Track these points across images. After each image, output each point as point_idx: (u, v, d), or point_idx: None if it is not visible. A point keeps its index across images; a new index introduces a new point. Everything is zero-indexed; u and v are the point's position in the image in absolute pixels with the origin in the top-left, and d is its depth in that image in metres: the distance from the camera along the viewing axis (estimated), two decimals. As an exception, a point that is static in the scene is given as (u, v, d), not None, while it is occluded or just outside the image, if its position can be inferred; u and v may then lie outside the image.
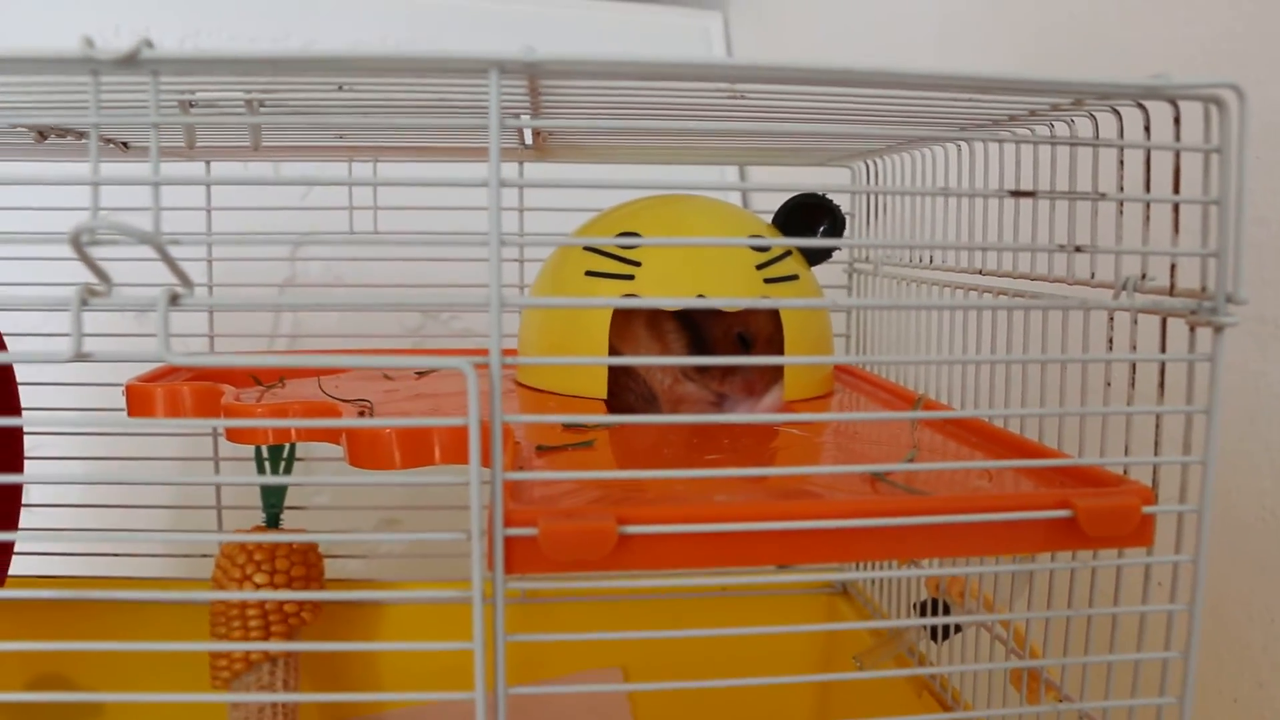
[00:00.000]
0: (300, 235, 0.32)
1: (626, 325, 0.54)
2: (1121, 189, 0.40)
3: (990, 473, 0.41)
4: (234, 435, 0.52)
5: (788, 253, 0.56)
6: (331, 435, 0.50)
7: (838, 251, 0.65)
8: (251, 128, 0.39)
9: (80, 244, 0.31)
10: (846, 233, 0.67)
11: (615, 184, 0.47)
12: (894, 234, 0.66)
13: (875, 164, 0.68)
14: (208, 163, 0.68)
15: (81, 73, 0.31)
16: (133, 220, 0.30)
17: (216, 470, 0.72)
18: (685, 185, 0.45)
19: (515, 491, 0.36)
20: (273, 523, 0.67)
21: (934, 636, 0.56)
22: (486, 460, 0.32)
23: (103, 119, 0.32)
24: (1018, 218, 0.48)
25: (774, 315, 0.54)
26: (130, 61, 0.30)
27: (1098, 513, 0.34)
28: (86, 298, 0.32)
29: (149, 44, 0.31)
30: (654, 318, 0.54)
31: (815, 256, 0.60)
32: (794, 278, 0.55)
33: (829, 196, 0.59)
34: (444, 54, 0.31)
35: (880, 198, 0.67)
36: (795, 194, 0.59)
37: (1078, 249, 0.35)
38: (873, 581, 0.71)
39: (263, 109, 0.40)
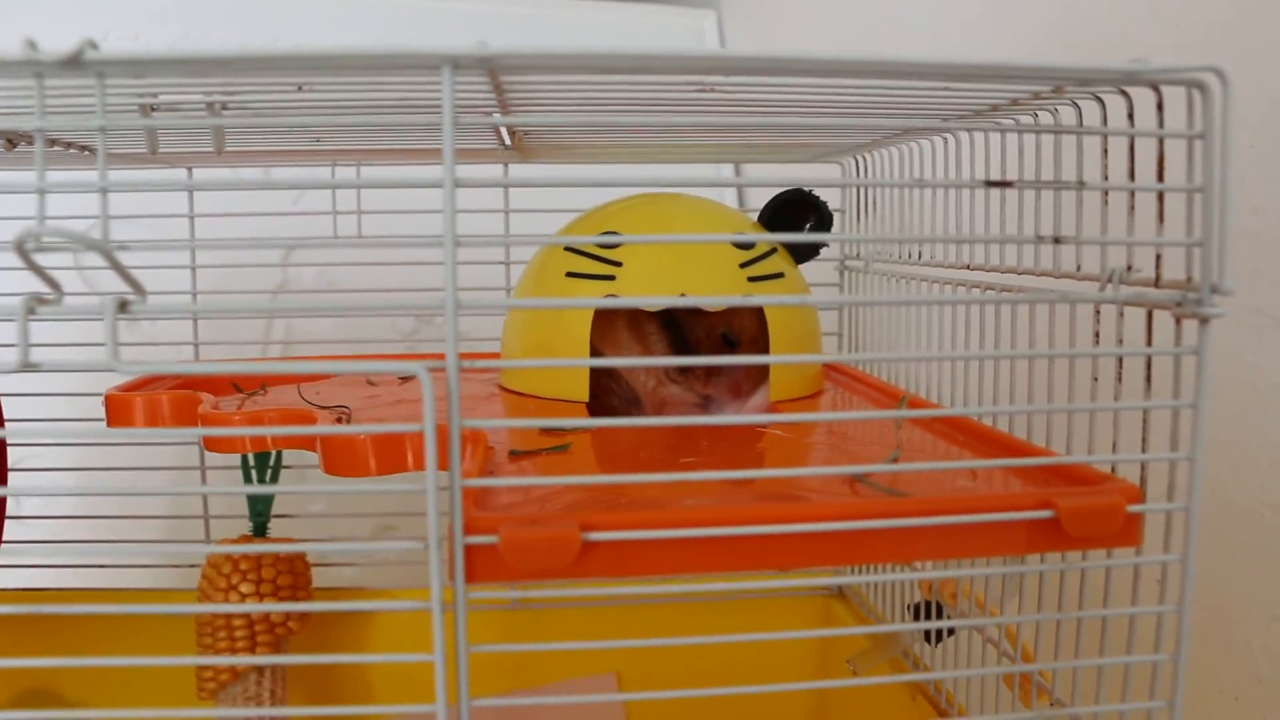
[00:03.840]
0: (248, 239, 0.31)
1: (608, 327, 0.54)
2: (1106, 179, 0.39)
3: (976, 473, 0.40)
4: (211, 444, 0.52)
5: (772, 251, 0.55)
6: (307, 442, 0.50)
7: (827, 249, 0.64)
8: (214, 131, 0.38)
9: (26, 251, 0.30)
10: (836, 230, 0.66)
11: (592, 183, 0.46)
12: (883, 231, 0.65)
13: (864, 159, 0.67)
14: (189, 169, 0.67)
15: (25, 76, 0.31)
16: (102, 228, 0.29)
17: (203, 480, 0.71)
18: (672, 184, 0.44)
19: (482, 498, 0.36)
20: (259, 531, 0.66)
21: (928, 639, 0.55)
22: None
23: (48, 124, 0.31)
24: (1004, 211, 0.47)
25: (759, 315, 0.53)
26: (74, 63, 0.30)
27: (1080, 512, 0.33)
28: (34, 306, 0.31)
29: (93, 45, 0.30)
30: (636, 319, 0.53)
31: (801, 254, 0.58)
32: (779, 276, 0.54)
33: (815, 192, 0.58)
34: (398, 51, 0.30)
35: (869, 195, 0.66)
36: (781, 191, 0.58)
37: (1056, 240, 0.34)
38: (869, 584, 0.70)
39: (225, 111, 0.39)
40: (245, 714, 0.62)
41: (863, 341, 0.68)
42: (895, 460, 0.42)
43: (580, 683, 0.69)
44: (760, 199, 0.59)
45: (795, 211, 0.58)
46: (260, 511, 0.66)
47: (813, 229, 0.58)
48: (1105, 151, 0.39)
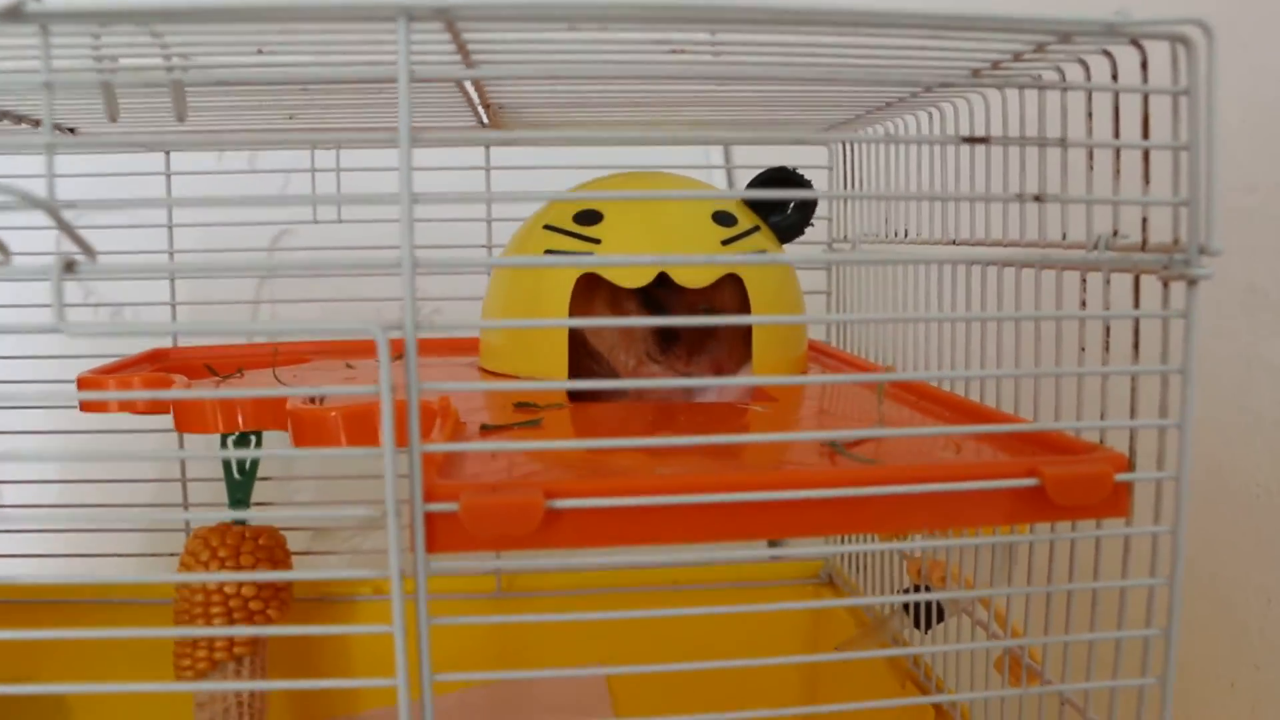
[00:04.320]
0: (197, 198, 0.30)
1: (588, 306, 0.52)
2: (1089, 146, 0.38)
3: (958, 446, 0.39)
4: (182, 423, 0.51)
5: (755, 229, 0.54)
6: (279, 420, 0.49)
7: (813, 229, 0.62)
8: (173, 91, 0.37)
9: (-32, 209, 0.29)
10: (821, 211, 0.65)
11: (575, 166, 0.45)
12: (870, 212, 0.64)
13: (851, 147, 0.66)
14: (167, 153, 0.66)
15: (-33, 29, 0.29)
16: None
17: (183, 470, 0.70)
18: (658, 169, 0.43)
19: (448, 470, 0.35)
20: (238, 520, 0.65)
21: (918, 624, 0.54)
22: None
23: (-10, 77, 0.30)
24: (989, 183, 0.46)
25: (740, 292, 0.52)
26: (15, 14, 0.29)
27: (1067, 480, 0.32)
28: (-23, 267, 0.30)
29: (37, -3, 0.29)
30: (615, 298, 0.52)
31: (785, 235, 0.57)
32: (761, 253, 0.53)
33: (800, 172, 0.57)
34: (352, 1, 0.29)
35: (855, 176, 0.65)
36: (765, 169, 0.57)
37: (1037, 198, 0.33)
38: (859, 573, 0.68)
39: (184, 74, 0.38)
40: (227, 687, 0.60)
41: (849, 322, 0.67)
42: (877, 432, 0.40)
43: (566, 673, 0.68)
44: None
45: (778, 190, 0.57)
46: (240, 499, 0.65)
47: (797, 208, 0.57)
48: (1090, 115, 0.38)
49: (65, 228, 0.30)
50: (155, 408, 0.53)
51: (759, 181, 0.57)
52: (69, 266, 0.30)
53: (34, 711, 0.67)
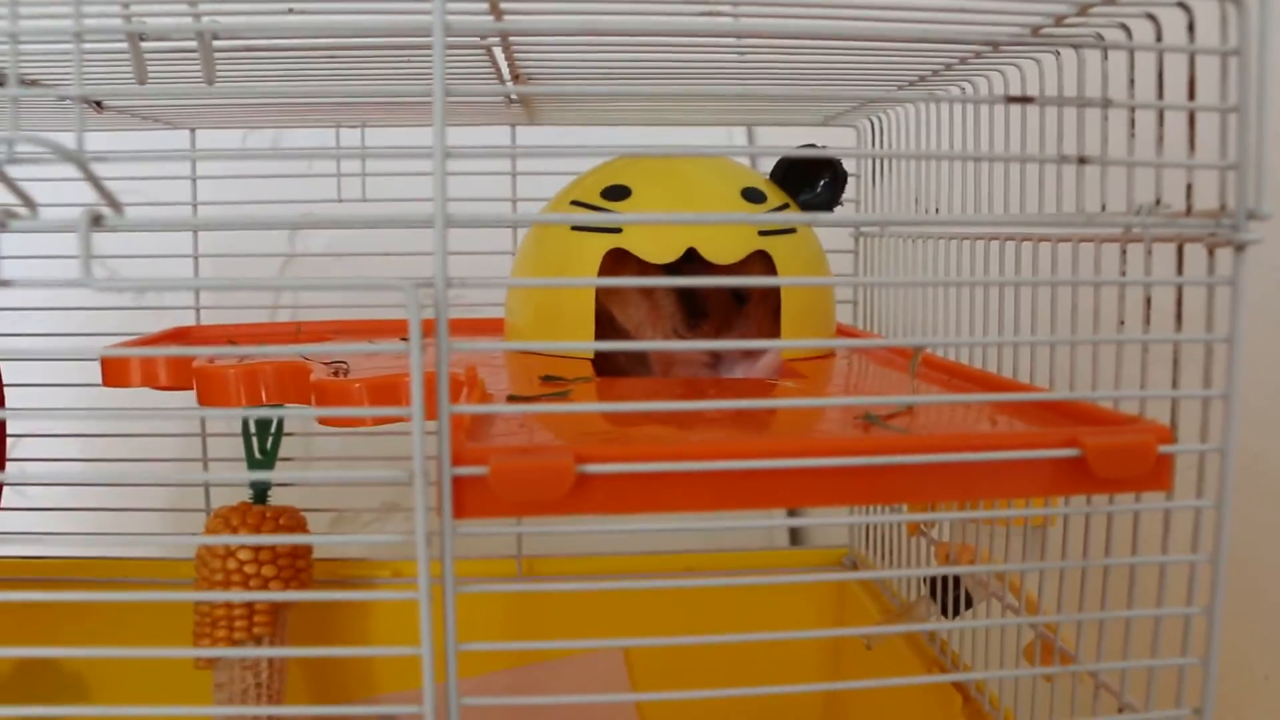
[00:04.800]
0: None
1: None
2: (1133, 110, 0.37)
3: (994, 420, 0.38)
4: (205, 396, 0.50)
5: (784, 205, 0.54)
6: (303, 395, 0.48)
7: (842, 210, 0.62)
8: (202, 55, 0.37)
9: (-3, 163, 0.29)
10: (849, 194, 0.64)
11: (601, 149, 0.45)
12: (901, 192, 0.63)
13: (880, 119, 0.65)
14: (192, 130, 0.66)
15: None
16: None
17: (204, 449, 0.70)
18: (683, 150, 0.42)
19: (475, 436, 0.34)
20: (259, 499, 0.64)
21: (945, 611, 0.53)
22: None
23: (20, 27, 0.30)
24: (1024, 167, 0.45)
25: (770, 270, 0.51)
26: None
27: (1109, 451, 0.31)
28: (5, 220, 0.30)
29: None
30: (643, 274, 0.52)
31: (815, 211, 0.57)
32: (791, 231, 0.53)
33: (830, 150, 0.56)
34: (385, -46, 0.29)
35: (884, 160, 0.64)
36: (794, 148, 0.56)
37: (1081, 159, 0.32)
38: (883, 557, 0.68)
39: (214, 40, 0.38)
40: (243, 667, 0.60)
41: (880, 305, 0.66)
42: (910, 406, 0.40)
43: (586, 658, 0.68)
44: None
45: (808, 170, 0.56)
46: (262, 481, 0.65)
47: (827, 188, 0.56)
48: (1131, 83, 0.37)
49: (94, 180, 0.30)
50: (178, 380, 0.52)
51: (787, 161, 0.56)
52: (97, 220, 0.30)
53: (53, 693, 0.67)
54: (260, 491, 0.65)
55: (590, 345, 0.31)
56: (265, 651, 0.34)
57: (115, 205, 0.30)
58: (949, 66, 0.47)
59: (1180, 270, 0.36)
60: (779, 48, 0.45)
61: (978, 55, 0.44)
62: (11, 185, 0.29)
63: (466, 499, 0.30)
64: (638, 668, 0.70)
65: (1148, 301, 0.37)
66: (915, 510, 0.51)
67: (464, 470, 0.30)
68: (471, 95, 0.31)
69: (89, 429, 0.69)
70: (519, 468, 0.29)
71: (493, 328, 0.63)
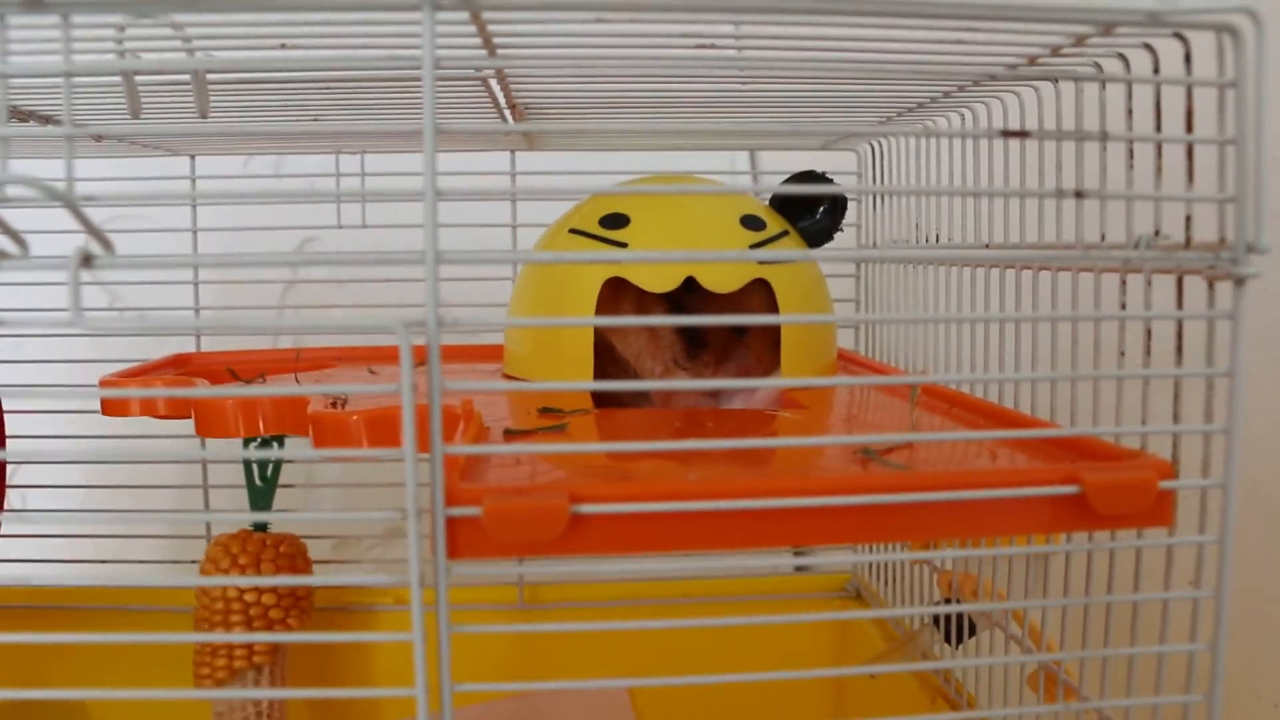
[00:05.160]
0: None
1: (614, 313, 0.51)
2: (1130, 140, 0.37)
3: (994, 454, 0.38)
4: (203, 428, 0.50)
5: (784, 233, 0.53)
6: (300, 425, 0.48)
7: (843, 237, 0.61)
8: (196, 88, 0.36)
9: (-13, 204, 0.29)
10: (850, 218, 0.64)
11: (599, 171, 0.45)
12: (901, 218, 0.63)
13: (881, 144, 0.65)
14: (192, 156, 0.66)
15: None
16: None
17: (204, 477, 0.70)
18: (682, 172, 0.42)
19: (470, 474, 0.34)
20: (260, 526, 0.64)
21: (948, 639, 0.52)
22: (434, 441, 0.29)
23: (10, 68, 0.30)
24: (1024, 185, 0.45)
25: (770, 298, 0.51)
26: (35, 3, 0.28)
27: (1109, 488, 0.31)
28: (-4, 262, 0.30)
29: (60, -14, 0.29)
30: (642, 304, 0.51)
31: (815, 240, 0.56)
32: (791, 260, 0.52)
33: (829, 176, 0.56)
34: (375, -9, 0.29)
35: (885, 181, 0.64)
36: (794, 173, 0.56)
37: (1078, 194, 0.32)
38: (886, 584, 0.67)
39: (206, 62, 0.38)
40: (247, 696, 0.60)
41: (882, 331, 0.66)
42: (909, 440, 0.39)
43: (589, 687, 0.67)
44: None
45: (808, 196, 0.56)
46: (262, 507, 0.64)
47: (826, 212, 0.56)
48: (1130, 113, 0.37)
49: (84, 221, 0.30)
50: (176, 410, 0.52)
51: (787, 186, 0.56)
52: (86, 260, 0.30)
53: (51, 709, 0.67)
54: (261, 522, 0.65)
55: (586, 386, 0.31)
56: (258, 693, 0.33)
57: (106, 244, 0.30)
58: (947, 94, 0.47)
59: (1180, 301, 0.36)
60: (779, 78, 0.45)
61: (976, 83, 0.44)
62: (3, 225, 0.29)
63: (461, 539, 0.30)
64: (641, 693, 0.69)
65: (1148, 333, 0.36)
66: (917, 547, 0.51)
67: (458, 511, 0.29)
68: (464, 130, 0.31)
69: (89, 454, 0.69)
70: (513, 508, 0.29)
71: (493, 354, 0.62)
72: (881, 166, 0.65)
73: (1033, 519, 0.32)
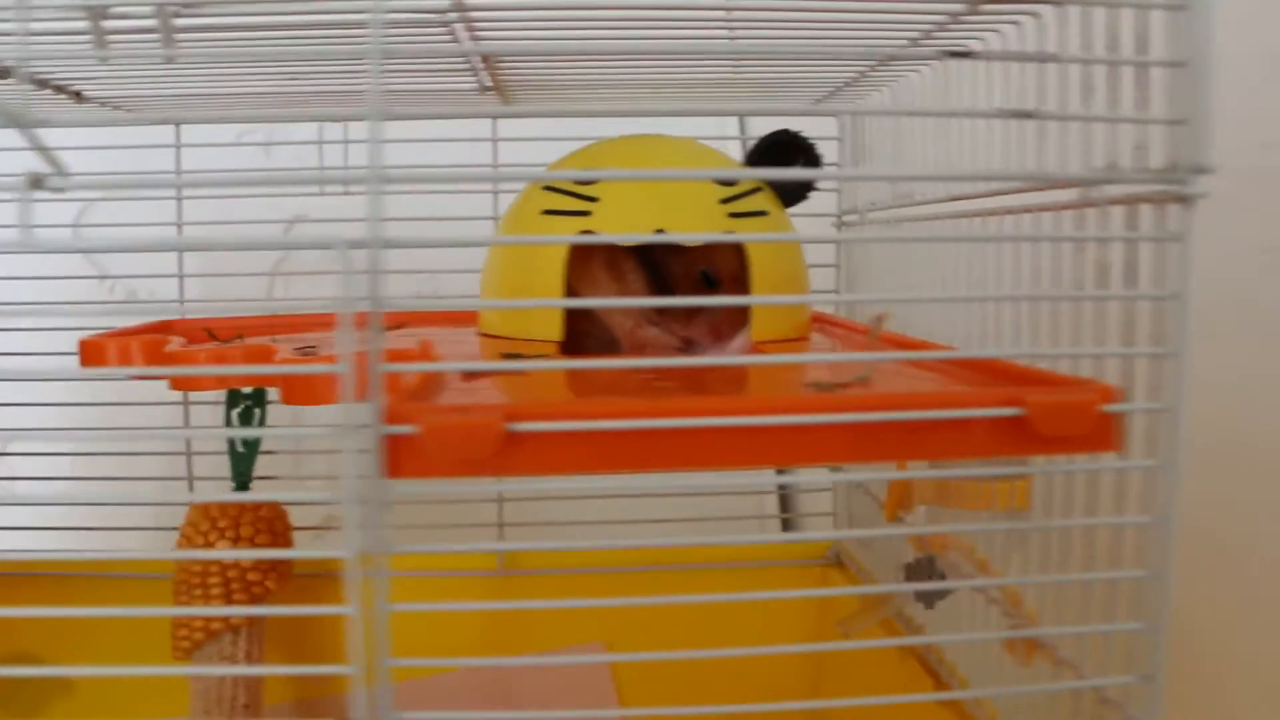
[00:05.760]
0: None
1: (584, 266, 0.52)
2: (1084, 65, 0.37)
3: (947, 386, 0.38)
4: (178, 382, 0.51)
5: (757, 189, 0.53)
6: (271, 378, 0.49)
7: (821, 197, 0.61)
8: (163, 37, 0.37)
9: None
10: (832, 182, 0.64)
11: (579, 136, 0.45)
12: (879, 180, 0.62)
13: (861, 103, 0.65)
14: (177, 124, 0.67)
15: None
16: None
17: (187, 443, 0.70)
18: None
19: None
20: (242, 489, 0.65)
21: (919, 599, 0.52)
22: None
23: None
24: (991, 141, 0.45)
25: (740, 252, 0.51)
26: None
27: (1051, 409, 0.31)
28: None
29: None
30: (612, 257, 0.51)
31: (789, 197, 0.56)
32: (762, 214, 0.52)
33: (804, 135, 0.56)
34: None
35: (863, 143, 0.64)
36: (768, 133, 0.56)
37: (1028, 114, 0.32)
38: (866, 551, 0.67)
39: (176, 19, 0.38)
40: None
41: (863, 284, 0.66)
42: (865, 379, 0.39)
43: (570, 650, 0.67)
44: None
45: (782, 153, 0.56)
46: (242, 470, 0.65)
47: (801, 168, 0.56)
48: (1088, 48, 0.37)
49: (37, 144, 0.30)
50: (153, 361, 0.52)
51: (762, 145, 0.56)
52: (36, 182, 0.30)
53: (34, 684, 0.67)
54: (242, 483, 0.65)
55: (527, 304, 0.31)
56: (209, 670, 0.34)
57: (59, 168, 0.30)
58: (915, 42, 0.47)
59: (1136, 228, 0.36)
60: (763, 24, 0.45)
61: (941, 27, 0.44)
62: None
63: (399, 458, 0.30)
64: (618, 649, 0.69)
65: (1105, 269, 0.36)
66: (889, 520, 0.50)
67: (396, 429, 0.29)
68: (428, 88, 0.31)
69: (72, 421, 0.69)
70: (449, 425, 0.29)
71: (473, 319, 0.63)
72: (862, 128, 0.65)
73: (978, 440, 0.31)
